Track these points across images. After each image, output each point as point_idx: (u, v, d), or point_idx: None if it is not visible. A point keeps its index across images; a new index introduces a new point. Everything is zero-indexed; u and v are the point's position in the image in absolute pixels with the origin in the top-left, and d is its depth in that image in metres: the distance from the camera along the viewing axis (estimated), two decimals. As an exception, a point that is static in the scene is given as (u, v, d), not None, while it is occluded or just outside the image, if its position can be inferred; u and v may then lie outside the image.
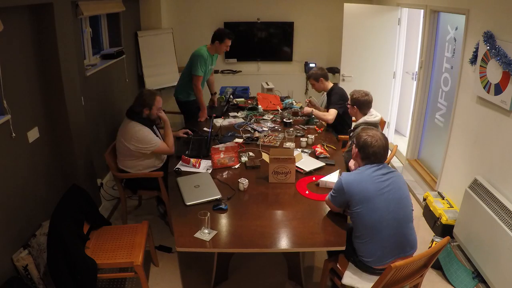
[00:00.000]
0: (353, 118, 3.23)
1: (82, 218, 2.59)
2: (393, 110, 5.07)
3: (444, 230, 3.13)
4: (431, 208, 3.35)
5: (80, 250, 2.34)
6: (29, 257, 2.37)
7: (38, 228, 2.61)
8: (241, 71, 5.97)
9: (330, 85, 3.80)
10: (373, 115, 3.02)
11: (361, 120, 3.03)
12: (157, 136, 3.11)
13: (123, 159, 3.04)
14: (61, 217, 2.31)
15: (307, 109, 3.75)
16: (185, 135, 3.47)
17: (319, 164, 2.88)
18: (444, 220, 3.13)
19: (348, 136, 3.35)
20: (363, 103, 3.02)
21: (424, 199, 3.54)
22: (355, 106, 3.05)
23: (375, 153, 2.15)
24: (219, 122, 3.78)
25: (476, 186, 2.83)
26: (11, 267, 2.31)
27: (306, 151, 3.13)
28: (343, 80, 4.92)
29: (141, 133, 2.92)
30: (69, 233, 2.31)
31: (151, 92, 3.06)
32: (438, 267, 2.86)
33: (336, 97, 3.66)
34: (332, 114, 3.59)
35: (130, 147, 2.94)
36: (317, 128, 3.65)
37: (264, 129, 3.60)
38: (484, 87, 2.82)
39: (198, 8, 5.70)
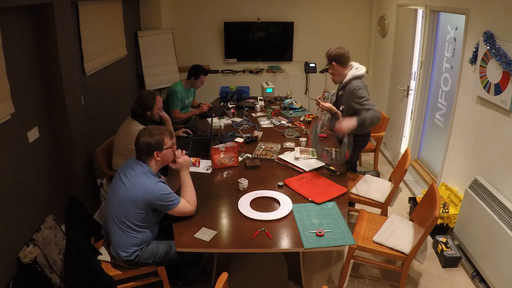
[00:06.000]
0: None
1: (90, 231, 2.55)
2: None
3: (436, 229, 3.11)
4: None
5: (99, 266, 2.24)
6: (36, 248, 2.35)
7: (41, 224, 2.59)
8: (241, 71, 5.96)
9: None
10: (358, 68, 2.79)
11: (350, 75, 2.78)
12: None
13: (120, 158, 3.03)
14: (75, 232, 2.25)
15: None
16: (185, 135, 3.47)
17: (319, 164, 2.88)
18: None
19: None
20: (341, 56, 2.78)
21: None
22: (333, 63, 2.81)
23: None
24: (215, 122, 3.77)
25: (476, 186, 2.83)
26: (18, 267, 2.30)
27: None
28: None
29: None
30: (87, 249, 2.21)
31: (150, 93, 3.04)
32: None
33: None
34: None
35: (130, 146, 2.92)
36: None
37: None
38: (484, 87, 2.82)
39: (198, 8, 5.70)
